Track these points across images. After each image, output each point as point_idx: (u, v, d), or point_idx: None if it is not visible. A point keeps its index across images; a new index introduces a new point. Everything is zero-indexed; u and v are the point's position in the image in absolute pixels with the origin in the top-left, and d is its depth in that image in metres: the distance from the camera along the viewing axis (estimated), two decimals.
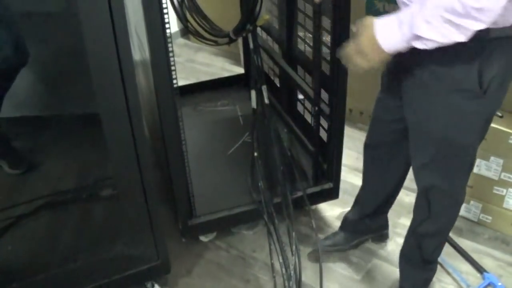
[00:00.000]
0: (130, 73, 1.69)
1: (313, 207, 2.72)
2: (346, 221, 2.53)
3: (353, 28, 1.72)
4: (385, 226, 2.56)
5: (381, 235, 2.57)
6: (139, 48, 2.34)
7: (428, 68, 1.69)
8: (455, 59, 1.62)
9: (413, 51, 1.63)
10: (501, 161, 2.49)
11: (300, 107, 2.87)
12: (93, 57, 1.63)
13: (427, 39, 1.50)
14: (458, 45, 1.51)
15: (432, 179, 1.93)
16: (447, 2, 1.41)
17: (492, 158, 2.51)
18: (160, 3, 1.80)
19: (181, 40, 4.87)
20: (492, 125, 2.41)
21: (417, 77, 1.75)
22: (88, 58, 1.62)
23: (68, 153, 2.79)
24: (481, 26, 1.43)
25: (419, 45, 1.53)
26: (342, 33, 2.13)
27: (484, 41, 1.55)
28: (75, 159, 2.75)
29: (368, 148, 2.26)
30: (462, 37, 1.46)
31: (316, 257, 2.47)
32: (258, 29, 2.84)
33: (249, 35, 2.61)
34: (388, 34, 1.58)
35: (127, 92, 1.72)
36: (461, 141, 1.78)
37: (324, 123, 2.45)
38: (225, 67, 4.41)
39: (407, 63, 1.77)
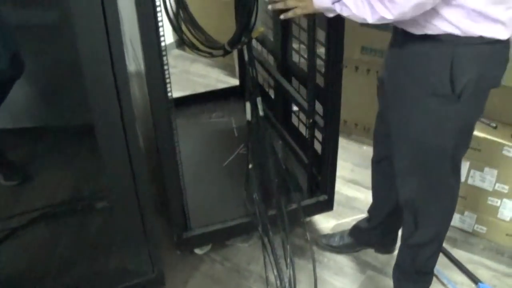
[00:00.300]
0: (124, 85, 1.69)
1: (308, 219, 2.72)
2: (356, 229, 2.54)
3: None
4: (391, 244, 2.53)
5: (384, 250, 2.57)
6: (134, 60, 2.35)
7: (404, 71, 1.76)
8: (428, 62, 1.68)
9: (394, 52, 1.82)
10: (495, 171, 2.50)
11: (294, 119, 2.87)
12: (88, 69, 1.63)
13: (344, 4, 1.68)
14: (430, 49, 1.65)
15: (413, 188, 1.95)
16: None
17: (486, 169, 2.51)
18: (155, 14, 1.80)
19: (176, 51, 4.88)
20: (486, 136, 2.44)
21: (395, 81, 1.82)
22: (82, 69, 1.62)
23: (63, 164, 2.79)
24: (389, 15, 1.58)
25: (338, 8, 1.71)
26: (336, 46, 2.14)
27: (455, 46, 1.61)
28: (70, 171, 2.75)
29: (373, 163, 2.29)
30: (369, 18, 1.63)
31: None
32: (253, 41, 2.85)
33: (244, 47, 2.62)
34: None
35: (122, 104, 1.72)
36: (438, 146, 1.81)
37: (318, 135, 2.45)
38: (220, 78, 4.42)
39: (389, 67, 1.87)
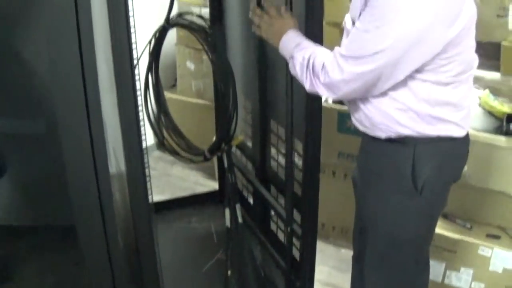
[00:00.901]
0: (107, 191, 1.73)
1: None
2: None
3: (282, 8, 2.02)
4: None
5: None
6: (116, 166, 2.39)
7: (371, 170, 1.89)
8: (391, 161, 1.80)
9: (362, 153, 1.95)
10: (471, 271, 2.52)
11: (273, 225, 2.89)
12: (72, 174, 1.66)
13: (293, 64, 1.84)
14: (393, 149, 1.77)
15: (379, 284, 1.97)
16: (318, 61, 1.74)
17: (462, 269, 2.54)
18: (137, 119, 1.86)
19: (157, 153, 4.91)
20: (462, 237, 2.49)
21: (364, 179, 1.95)
22: (66, 174, 1.66)
23: (44, 265, 2.76)
24: (322, 93, 1.76)
25: (291, 63, 1.87)
26: (313, 157, 2.20)
27: (415, 145, 1.74)
28: (50, 272, 2.72)
29: (353, 261, 2.31)
30: (307, 86, 1.79)
31: None
32: (233, 147, 2.91)
33: (224, 154, 2.67)
34: (289, 38, 1.89)
35: (103, 209, 1.75)
36: (403, 239, 1.89)
37: (296, 242, 2.47)
38: (199, 181, 4.45)
39: (360, 167, 1.99)
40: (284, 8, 2.01)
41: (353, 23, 1.74)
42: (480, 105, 2.56)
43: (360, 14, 1.66)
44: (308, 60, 1.77)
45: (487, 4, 2.72)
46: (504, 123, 2.49)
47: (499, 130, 2.52)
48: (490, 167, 2.48)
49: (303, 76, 1.79)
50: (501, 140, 2.46)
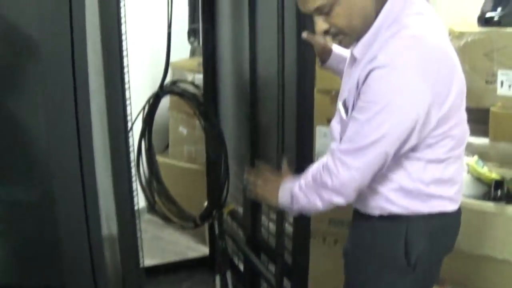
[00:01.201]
0: (99, 254, 1.74)
1: None
2: None
3: (285, 163, 2.04)
4: None
5: None
6: (108, 232, 2.39)
7: (363, 245, 1.85)
8: (383, 238, 1.77)
9: (354, 227, 1.92)
10: None
11: None
12: (64, 236, 1.68)
13: (296, 201, 1.78)
14: (385, 226, 1.75)
15: None
16: (316, 170, 1.71)
17: None
18: (131, 188, 1.88)
19: (148, 216, 4.88)
20: None
21: (355, 254, 1.89)
22: (59, 237, 1.67)
23: None
24: (335, 200, 1.68)
25: (294, 203, 1.79)
26: (303, 225, 2.23)
27: (407, 222, 1.72)
28: None
29: None
30: (320, 204, 1.71)
31: None
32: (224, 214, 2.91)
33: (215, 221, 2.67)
34: (285, 189, 1.85)
35: (95, 272, 1.75)
36: None
37: None
38: (190, 245, 4.42)
39: (351, 241, 1.93)
40: (285, 161, 2.07)
41: (345, 110, 1.73)
42: (468, 172, 2.59)
43: (353, 104, 1.66)
44: (305, 183, 1.75)
45: (476, 71, 2.75)
46: (492, 190, 2.52)
47: (487, 196, 2.54)
48: (479, 233, 2.50)
49: (310, 199, 1.74)
50: (490, 206, 2.49)
